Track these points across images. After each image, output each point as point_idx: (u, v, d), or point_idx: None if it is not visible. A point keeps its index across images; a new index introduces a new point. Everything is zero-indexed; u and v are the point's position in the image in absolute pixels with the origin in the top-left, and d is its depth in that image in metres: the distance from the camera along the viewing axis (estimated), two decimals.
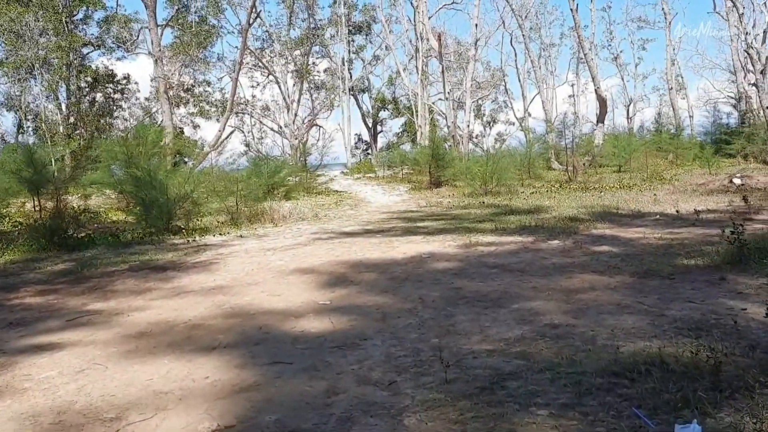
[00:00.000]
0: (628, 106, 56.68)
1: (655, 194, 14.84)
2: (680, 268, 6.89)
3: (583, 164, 21.46)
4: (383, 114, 54.03)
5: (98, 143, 15.68)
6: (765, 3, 41.52)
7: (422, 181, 22.29)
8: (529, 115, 50.76)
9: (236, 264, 8.70)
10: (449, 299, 6.09)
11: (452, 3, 40.28)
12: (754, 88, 34.26)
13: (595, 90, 25.03)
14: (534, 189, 18.10)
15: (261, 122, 45.34)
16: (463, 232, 10.54)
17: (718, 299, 5.57)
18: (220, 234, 11.89)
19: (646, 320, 5.03)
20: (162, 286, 7.54)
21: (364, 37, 49.13)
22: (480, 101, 51.57)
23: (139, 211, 12.06)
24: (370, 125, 51.99)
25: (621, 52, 56.77)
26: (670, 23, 38.05)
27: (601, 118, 24.82)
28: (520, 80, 50.07)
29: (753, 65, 23.69)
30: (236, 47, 38.70)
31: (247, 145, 42.31)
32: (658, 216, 11.53)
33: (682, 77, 49.48)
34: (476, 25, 30.63)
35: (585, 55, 25.90)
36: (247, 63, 42.95)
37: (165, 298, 6.85)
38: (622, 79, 55.14)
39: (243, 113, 44.79)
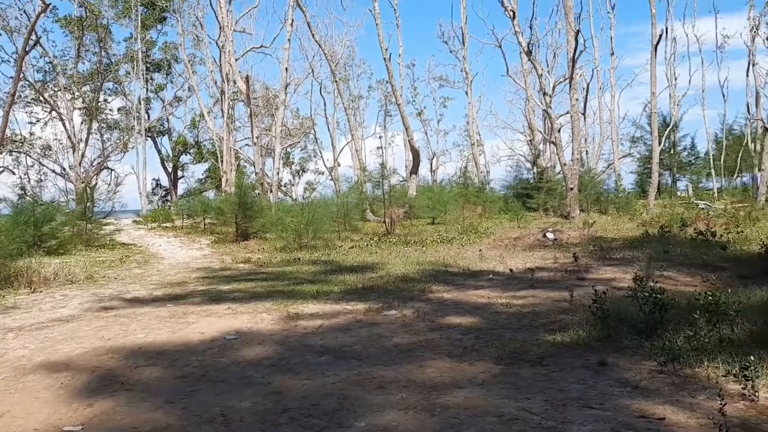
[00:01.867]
0: (432, 159, 58.98)
1: (480, 250, 14.13)
2: (547, 348, 5.65)
3: (399, 216, 20.70)
4: (185, 158, 50.67)
5: None
6: (548, 70, 45.40)
7: (228, 233, 20.02)
8: (339, 164, 50.49)
9: None
10: (266, 414, 4.22)
11: (261, 47, 38.86)
12: (549, 145, 36.68)
13: (409, 140, 24.75)
14: (353, 243, 16.73)
15: (40, 163, 39.84)
16: (280, 298, 8.67)
17: (618, 399, 4.30)
18: None
19: None
20: None
21: (165, 75, 45.94)
22: (289, 149, 50.33)
23: None
24: (170, 170, 48.30)
25: (424, 108, 59.25)
26: (471, 82, 39.80)
27: (414, 169, 24.51)
28: (329, 130, 49.74)
29: (551, 124, 24.89)
30: (11, 77, 33.67)
31: (23, 188, 36.69)
32: (491, 275, 10.58)
33: (479, 134, 52.40)
34: (286, 69, 29.34)
35: (398, 105, 25.61)
36: (26, 96, 37.77)
37: None
38: (426, 133, 57.37)
39: (18, 152, 39.08)
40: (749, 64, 36.82)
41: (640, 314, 6.00)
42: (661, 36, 25.97)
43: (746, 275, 9.57)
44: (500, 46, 40.16)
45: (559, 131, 24.79)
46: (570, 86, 24.64)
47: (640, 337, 5.72)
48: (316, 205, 17.85)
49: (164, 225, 25.24)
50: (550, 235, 16.52)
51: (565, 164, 24.38)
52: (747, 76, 37.29)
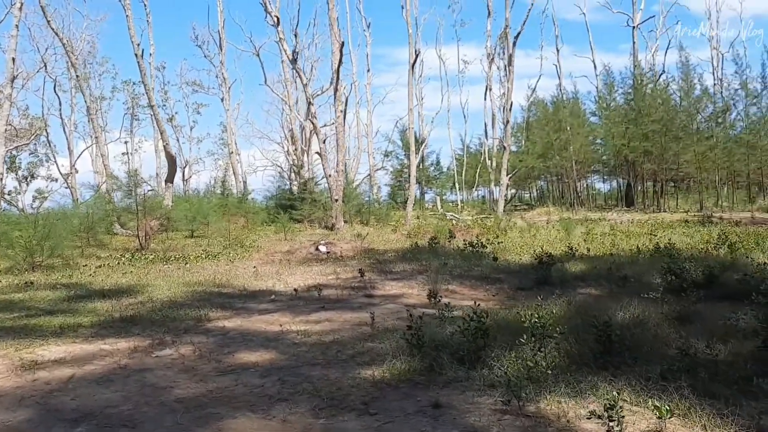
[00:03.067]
0: (184, 167, 55.70)
1: (254, 267, 12.91)
2: (368, 389, 4.80)
3: (153, 229, 18.52)
4: None
5: None
6: (305, 85, 45.41)
7: None
8: (76, 171, 45.16)
9: None
10: None
11: None
12: (307, 155, 36.45)
13: (164, 146, 22.52)
14: (100, 261, 14.33)
15: None
16: (8, 338, 6.66)
17: None
18: None
19: None
20: None
21: None
22: (15, 152, 43.62)
23: None
24: None
25: (176, 113, 55.65)
26: (229, 89, 38.27)
27: (170, 178, 22.33)
28: (65, 132, 44.23)
29: (317, 134, 24.52)
30: None
31: None
32: (273, 296, 9.50)
33: (236, 143, 50.72)
34: (13, 59, 25.07)
35: (152, 107, 23.21)
36: None
37: None
38: (178, 140, 53.96)
39: None
40: (486, 89, 40.57)
41: (459, 339, 5.44)
42: (417, 56, 27.16)
43: (523, 287, 9.80)
44: (258, 55, 39.05)
45: (324, 142, 24.51)
46: (334, 97, 24.53)
47: (464, 366, 5.15)
48: (54, 216, 15.03)
49: None
50: (323, 248, 15.92)
51: (330, 175, 24.15)
52: (485, 99, 41.07)
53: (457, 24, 42.82)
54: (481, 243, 13.23)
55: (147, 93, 23.06)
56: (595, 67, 41.67)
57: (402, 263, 12.88)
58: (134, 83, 51.05)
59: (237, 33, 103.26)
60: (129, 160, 50.37)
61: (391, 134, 48.15)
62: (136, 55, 22.02)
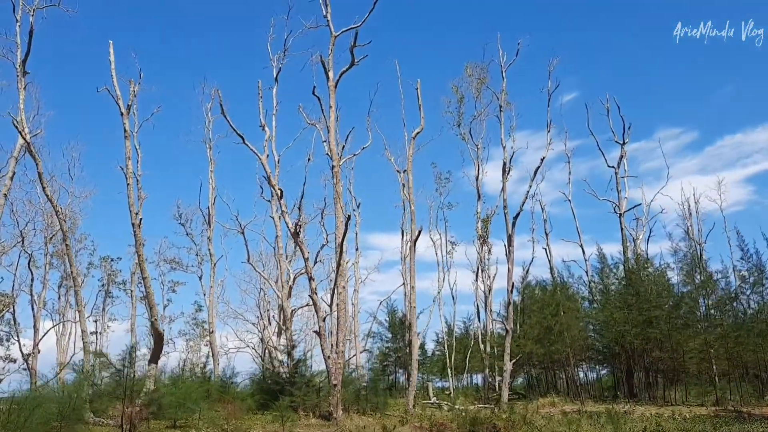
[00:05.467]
0: None
1: None
2: None
3: (139, 417, 16.12)
4: None
5: None
6: (306, 259, 44.43)
7: None
8: (39, 351, 41.97)
9: None
10: None
11: None
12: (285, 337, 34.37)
13: (152, 321, 20.63)
14: None
15: None
16: None
17: None
18: None
19: None
20: None
21: None
22: None
23: None
24: None
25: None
26: (214, 265, 37.13)
27: (155, 357, 20.19)
28: (33, 309, 41.58)
29: (317, 312, 22.94)
30: None
31: None
32: None
33: (215, 323, 48.38)
34: None
35: (144, 278, 21.72)
36: None
37: None
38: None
39: None
40: (478, 270, 39.97)
41: None
42: (419, 233, 26.63)
43: None
44: (243, 233, 38.18)
45: (324, 320, 22.89)
46: (337, 273, 23.38)
47: None
48: (31, 403, 12.73)
49: None
50: None
51: (329, 357, 22.21)
52: (476, 280, 40.25)
53: (444, 206, 42.84)
54: None
55: (140, 264, 21.67)
56: (583, 252, 41.79)
57: None
58: (112, 259, 49.72)
59: (224, 211, 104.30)
60: (97, 339, 47.56)
61: (376, 314, 46.52)
62: (133, 224, 20.96)
